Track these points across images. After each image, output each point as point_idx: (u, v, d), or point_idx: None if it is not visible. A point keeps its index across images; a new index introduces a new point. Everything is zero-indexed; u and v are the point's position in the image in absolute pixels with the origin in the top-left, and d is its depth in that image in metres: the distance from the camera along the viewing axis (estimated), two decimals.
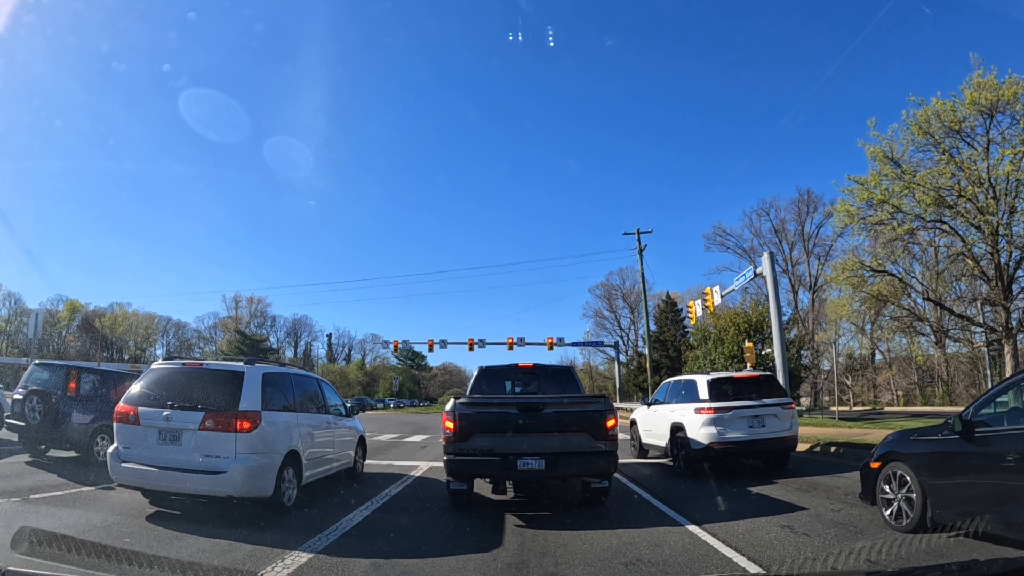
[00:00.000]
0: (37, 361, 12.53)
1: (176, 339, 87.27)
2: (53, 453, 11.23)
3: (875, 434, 13.77)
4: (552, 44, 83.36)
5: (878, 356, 53.99)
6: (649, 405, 12.89)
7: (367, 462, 10.73)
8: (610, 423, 7.01)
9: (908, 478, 5.66)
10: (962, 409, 5.52)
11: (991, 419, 5.20)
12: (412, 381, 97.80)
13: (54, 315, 74.17)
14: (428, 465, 11.55)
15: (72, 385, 10.75)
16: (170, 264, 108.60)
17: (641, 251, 38.43)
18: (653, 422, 12.22)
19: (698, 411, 10.24)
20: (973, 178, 18.96)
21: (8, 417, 11.05)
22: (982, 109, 18.58)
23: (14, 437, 11.04)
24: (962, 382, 43.54)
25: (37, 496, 7.48)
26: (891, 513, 5.84)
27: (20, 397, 10.52)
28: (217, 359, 10.17)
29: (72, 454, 10.68)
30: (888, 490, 5.91)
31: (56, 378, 10.90)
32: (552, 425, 6.97)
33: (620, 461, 7.86)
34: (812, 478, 9.40)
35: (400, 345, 46.09)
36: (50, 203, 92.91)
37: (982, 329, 25.49)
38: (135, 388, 6.93)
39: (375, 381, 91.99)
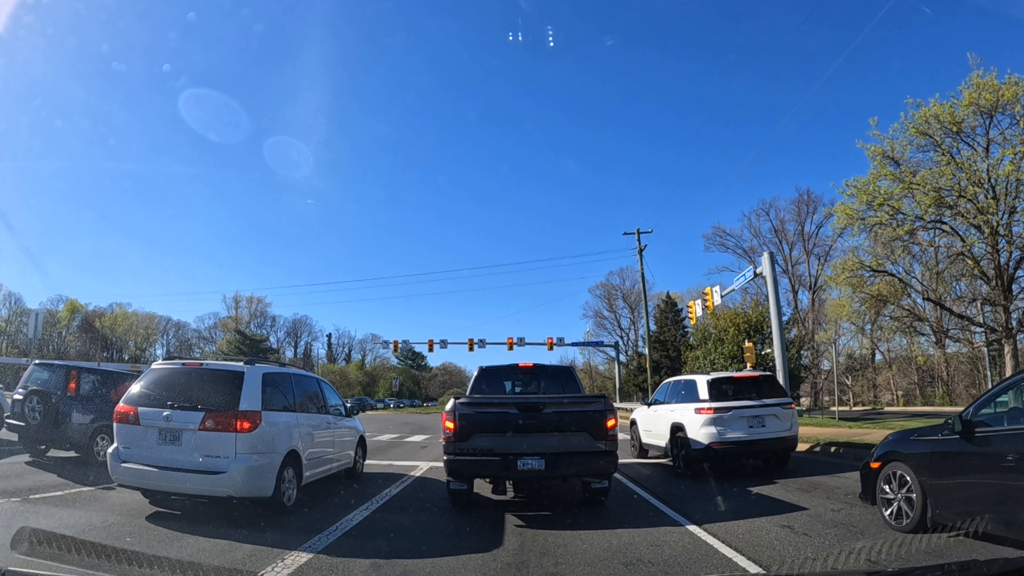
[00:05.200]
0: (37, 361, 12.53)
1: (176, 339, 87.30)
2: (53, 453, 11.23)
3: (875, 434, 13.77)
4: (552, 44, 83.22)
5: (878, 356, 54.02)
6: (649, 405, 12.89)
7: (367, 462, 10.73)
8: (610, 423, 7.01)
9: (908, 478, 5.66)
10: (962, 409, 5.52)
11: (991, 419, 5.20)
12: (412, 381, 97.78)
13: (54, 315, 74.15)
14: (428, 465, 11.55)
15: (72, 385, 10.74)
16: (170, 264, 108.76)
17: (641, 251, 38.45)
18: (653, 422, 12.22)
19: (698, 411, 10.23)
20: (973, 178, 18.97)
21: (8, 417, 11.04)
22: (982, 109, 18.59)
23: (14, 437, 11.04)
24: (962, 382, 43.54)
25: (37, 496, 7.48)
26: (891, 513, 5.84)
27: (20, 397, 10.51)
28: (217, 359, 10.17)
29: (72, 454, 10.68)
30: (888, 490, 5.91)
31: (56, 378, 10.89)
32: (552, 425, 6.97)
33: (620, 461, 7.86)
34: (812, 478, 9.40)
35: (400, 345, 46.12)
36: (50, 203, 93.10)
37: (982, 329, 25.48)
38: (135, 388, 6.93)
39: (375, 381, 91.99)
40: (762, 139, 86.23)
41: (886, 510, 5.91)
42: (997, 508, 4.69)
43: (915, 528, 5.46)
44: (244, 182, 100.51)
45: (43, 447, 11.07)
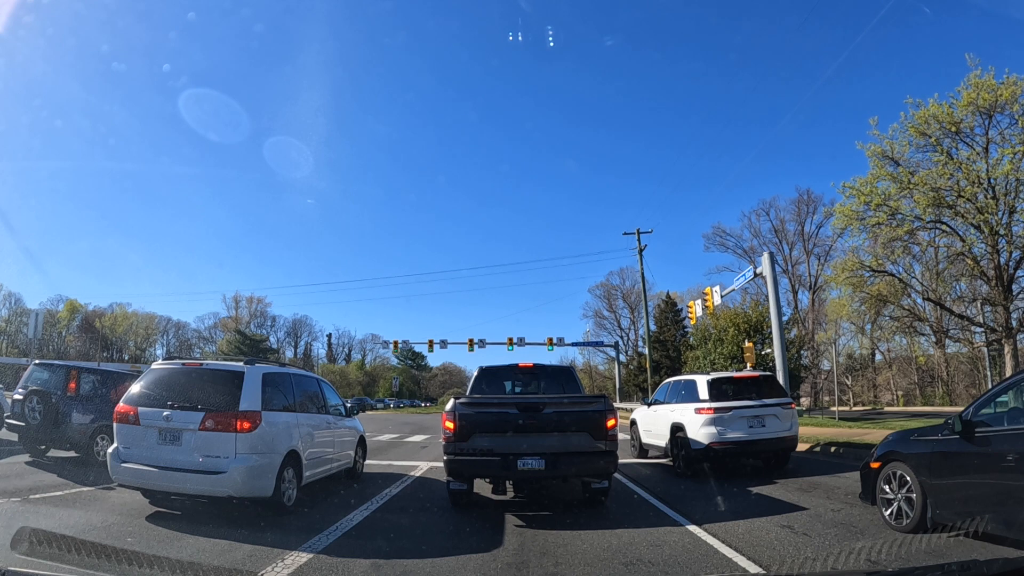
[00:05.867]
0: (37, 361, 12.51)
1: (176, 339, 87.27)
2: (53, 453, 11.23)
3: (875, 434, 13.77)
4: (552, 44, 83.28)
5: (878, 356, 54.04)
6: (649, 405, 12.89)
7: (367, 462, 10.73)
8: (610, 423, 7.01)
9: (908, 478, 5.66)
10: (962, 409, 5.52)
11: (991, 419, 5.20)
12: (412, 381, 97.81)
13: (54, 315, 74.12)
14: (428, 465, 11.55)
15: (72, 385, 10.74)
16: (170, 264, 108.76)
17: (641, 251, 38.44)
18: (653, 422, 12.22)
19: (698, 411, 10.23)
20: (972, 178, 18.97)
21: (8, 417, 11.04)
22: (980, 109, 18.58)
23: (14, 437, 11.04)
24: (962, 382, 43.54)
25: (37, 496, 7.48)
26: (891, 513, 5.84)
27: (20, 397, 10.52)
28: (217, 359, 10.16)
29: (72, 454, 10.68)
30: (888, 490, 5.91)
31: (56, 378, 10.89)
32: (552, 425, 6.97)
33: (620, 461, 7.86)
34: (812, 478, 9.40)
35: (400, 345, 46.17)
36: (50, 203, 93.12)
37: (982, 329, 25.48)
38: (135, 388, 6.93)
39: (375, 381, 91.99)
40: (762, 139, 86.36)
41: (886, 510, 5.91)
42: (997, 508, 4.69)
43: (915, 528, 5.46)
44: (244, 182, 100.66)
45: (43, 447, 11.07)
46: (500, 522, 6.57)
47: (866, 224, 21.07)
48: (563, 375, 10.04)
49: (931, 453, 5.50)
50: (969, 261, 20.86)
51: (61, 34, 71.04)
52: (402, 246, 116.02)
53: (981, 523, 4.73)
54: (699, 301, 27.55)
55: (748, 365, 21.96)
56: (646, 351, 41.98)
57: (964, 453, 5.14)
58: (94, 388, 11.05)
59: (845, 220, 21.68)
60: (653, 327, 46.96)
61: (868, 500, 6.25)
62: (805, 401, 40.14)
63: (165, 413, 6.49)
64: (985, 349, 30.49)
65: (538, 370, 9.84)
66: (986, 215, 18.67)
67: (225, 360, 8.72)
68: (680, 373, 18.83)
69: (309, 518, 6.62)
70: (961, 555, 4.52)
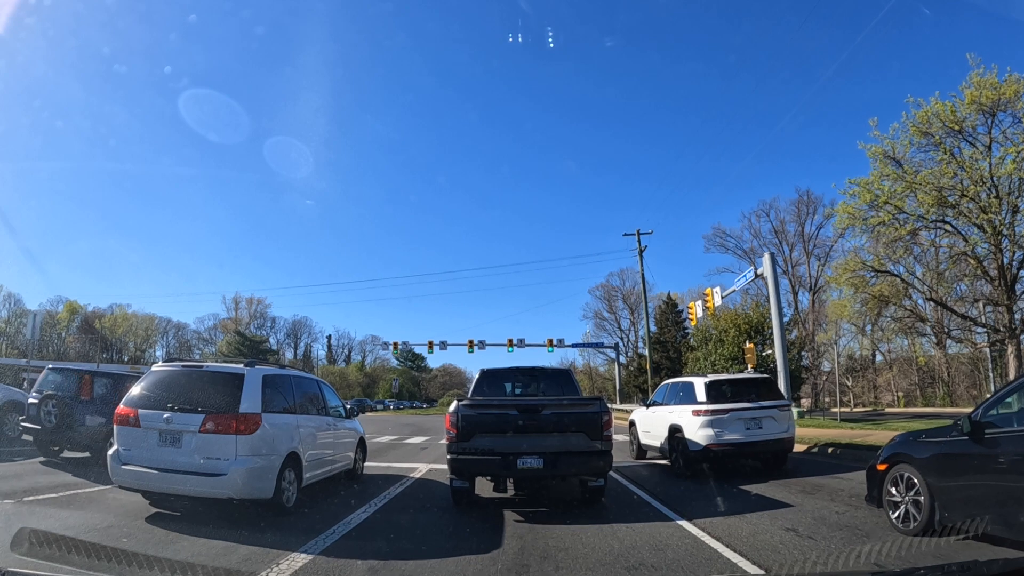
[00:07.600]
0: (51, 365, 12.81)
1: (176, 340, 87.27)
2: (66, 454, 11.39)
3: (877, 435, 13.73)
4: (552, 45, 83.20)
5: (879, 357, 53.99)
6: (648, 406, 12.87)
7: (367, 463, 10.71)
8: (606, 424, 7.17)
9: (915, 480, 5.60)
10: (971, 410, 5.47)
11: (1000, 420, 5.14)
12: (412, 382, 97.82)
13: (53, 316, 74.13)
14: (428, 467, 11.52)
15: (85, 389, 10.92)
16: (170, 265, 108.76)
17: (641, 252, 38.44)
18: (652, 423, 12.19)
19: (695, 413, 10.23)
20: (975, 177, 18.90)
21: (24, 420, 11.24)
22: (983, 108, 18.51)
23: (29, 439, 11.24)
24: (963, 383, 43.52)
25: (38, 497, 7.44)
26: (898, 516, 5.78)
27: (35, 401, 10.76)
28: (217, 361, 10.16)
29: (84, 455, 10.82)
30: (895, 492, 5.85)
31: (69, 382, 11.11)
32: (551, 426, 7.15)
33: (619, 462, 7.88)
34: (815, 479, 9.36)
35: (400, 346, 46.30)
36: (50, 203, 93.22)
37: (984, 330, 25.39)
38: (135, 390, 6.90)
39: (375, 382, 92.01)
40: (762, 139, 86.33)
41: (893, 513, 5.86)
42: (1006, 510, 4.64)
43: (923, 531, 5.39)
44: (244, 182, 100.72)
45: (56, 448, 11.28)
46: (500, 523, 6.54)
47: (869, 224, 20.99)
48: (561, 377, 10.11)
49: (939, 455, 5.45)
50: (972, 261, 20.79)
51: (62, 35, 71.25)
52: (402, 247, 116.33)
53: (989, 525, 4.69)
54: (699, 302, 27.56)
55: (749, 366, 21.94)
56: (646, 352, 41.97)
57: (973, 454, 5.08)
58: (107, 391, 11.17)
59: (848, 220, 21.56)
60: (653, 328, 46.95)
61: (874, 502, 6.21)
62: (806, 402, 40.13)
63: (165, 415, 6.45)
64: (987, 350, 30.43)
65: (538, 372, 9.97)
66: (989, 214, 18.60)
67: (225, 362, 8.70)
68: (681, 374, 18.84)
69: (309, 519, 6.58)
70: (967, 558, 4.47)
